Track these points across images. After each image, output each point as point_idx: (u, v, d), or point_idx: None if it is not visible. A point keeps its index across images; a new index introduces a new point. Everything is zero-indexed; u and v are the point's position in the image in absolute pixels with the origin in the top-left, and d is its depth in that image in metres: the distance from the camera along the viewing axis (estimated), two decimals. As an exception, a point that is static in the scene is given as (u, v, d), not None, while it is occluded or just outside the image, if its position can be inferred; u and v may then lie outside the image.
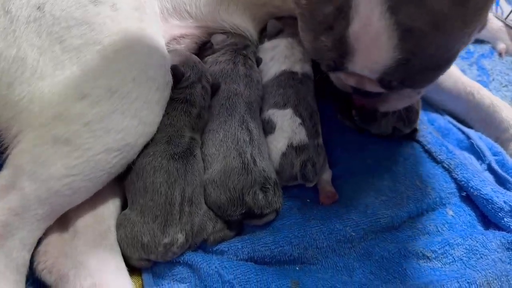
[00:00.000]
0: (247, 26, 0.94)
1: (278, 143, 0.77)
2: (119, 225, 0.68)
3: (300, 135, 0.76)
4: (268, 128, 0.79)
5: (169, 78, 0.73)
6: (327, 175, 0.78)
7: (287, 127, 0.77)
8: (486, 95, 0.93)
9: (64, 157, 0.62)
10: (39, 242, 0.66)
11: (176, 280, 0.66)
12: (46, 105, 0.63)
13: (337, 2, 0.55)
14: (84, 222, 0.68)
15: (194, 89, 0.78)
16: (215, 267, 0.64)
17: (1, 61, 0.64)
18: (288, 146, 0.75)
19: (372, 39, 0.55)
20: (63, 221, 0.68)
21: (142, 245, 0.64)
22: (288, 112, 0.79)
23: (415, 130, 0.85)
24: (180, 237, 0.64)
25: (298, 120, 0.78)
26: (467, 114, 0.95)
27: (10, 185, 0.62)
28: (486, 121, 0.92)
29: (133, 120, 0.66)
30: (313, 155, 0.75)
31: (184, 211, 0.66)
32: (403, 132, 0.84)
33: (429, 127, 0.89)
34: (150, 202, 0.65)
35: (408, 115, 0.81)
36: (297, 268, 0.68)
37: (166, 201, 0.65)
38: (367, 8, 0.53)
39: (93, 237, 0.66)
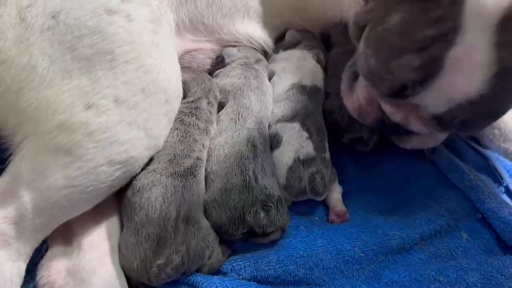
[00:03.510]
0: (261, 35, 0.95)
1: (284, 157, 0.75)
2: (118, 246, 0.66)
3: (307, 148, 0.75)
4: (274, 142, 0.78)
5: (180, 91, 0.73)
6: (337, 192, 0.77)
7: (294, 141, 0.76)
8: None
9: (64, 167, 0.61)
10: (42, 256, 0.65)
11: (177, 299, 0.64)
12: (51, 113, 0.63)
13: (443, 28, 0.58)
14: (89, 239, 0.67)
15: (200, 103, 0.78)
16: (216, 286, 0.62)
17: (13, 68, 0.64)
18: (294, 159, 0.74)
19: (471, 67, 0.57)
20: (67, 236, 0.67)
21: (134, 269, 0.62)
22: (296, 125, 0.78)
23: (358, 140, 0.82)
24: (176, 258, 0.61)
25: (306, 134, 0.77)
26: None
27: (8, 193, 0.62)
28: (494, 132, 0.89)
29: (139, 132, 0.65)
30: (321, 167, 0.73)
31: (179, 228, 0.63)
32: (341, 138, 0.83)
33: (445, 148, 0.87)
34: (144, 218, 0.63)
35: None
36: (302, 290, 0.66)
37: (161, 215, 0.63)
38: (476, 37, 0.56)
39: (97, 255, 0.65)
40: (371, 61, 0.66)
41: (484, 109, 0.61)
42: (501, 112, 0.65)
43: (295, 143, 0.75)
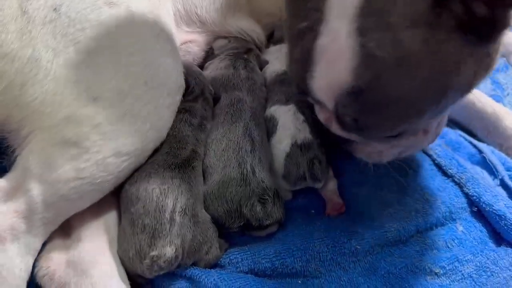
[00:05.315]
0: (254, 28, 0.96)
1: (281, 143, 0.75)
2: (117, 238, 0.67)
3: (305, 133, 0.74)
4: (270, 126, 0.78)
5: (181, 82, 0.74)
6: (332, 184, 0.76)
7: (290, 124, 0.75)
8: (488, 103, 0.92)
9: (72, 160, 0.62)
10: (42, 247, 0.65)
11: (174, 292, 0.64)
12: (57, 107, 0.63)
13: (311, 18, 0.56)
14: (89, 230, 0.67)
15: (194, 100, 0.78)
16: (214, 279, 0.62)
17: (16, 61, 0.64)
18: (292, 145, 0.73)
19: (335, 55, 0.55)
20: (67, 228, 0.68)
21: (129, 259, 0.63)
22: (291, 107, 0.77)
23: None
24: (169, 251, 0.60)
25: (301, 117, 0.76)
26: (470, 122, 0.93)
27: (17, 187, 0.62)
28: (489, 128, 0.91)
29: (144, 124, 0.66)
30: (319, 153, 0.73)
31: (175, 220, 0.62)
32: None
33: (439, 140, 0.87)
34: (141, 209, 0.63)
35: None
36: (299, 282, 0.66)
37: (157, 207, 0.63)
38: (337, 24, 0.54)
39: (97, 246, 0.66)
40: (287, 61, 0.66)
41: (368, 103, 0.56)
42: (398, 111, 0.57)
43: (291, 127, 0.75)
